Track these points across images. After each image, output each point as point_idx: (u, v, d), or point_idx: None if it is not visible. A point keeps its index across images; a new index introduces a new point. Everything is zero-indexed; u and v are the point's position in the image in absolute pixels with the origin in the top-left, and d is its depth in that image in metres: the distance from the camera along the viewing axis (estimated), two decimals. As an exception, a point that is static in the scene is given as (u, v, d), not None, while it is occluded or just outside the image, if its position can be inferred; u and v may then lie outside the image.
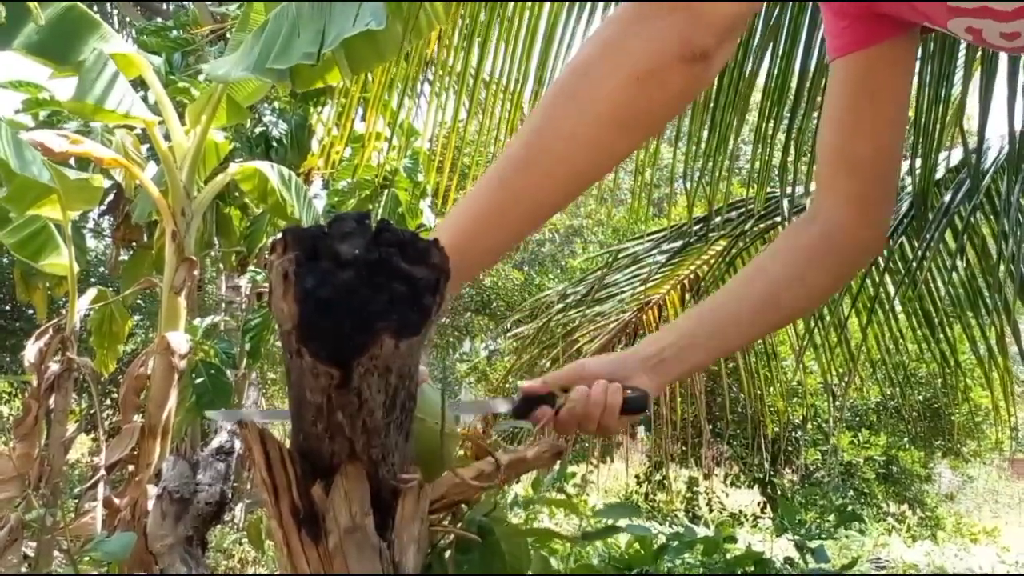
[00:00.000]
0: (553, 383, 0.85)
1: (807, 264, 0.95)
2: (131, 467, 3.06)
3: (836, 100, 0.95)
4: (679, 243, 2.93)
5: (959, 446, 7.95)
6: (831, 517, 5.68)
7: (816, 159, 1.00)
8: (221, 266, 5.93)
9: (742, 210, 2.86)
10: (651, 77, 0.75)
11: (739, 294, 0.96)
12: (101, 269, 8.44)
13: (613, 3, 2.34)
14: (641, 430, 8.28)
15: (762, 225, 2.79)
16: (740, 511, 8.10)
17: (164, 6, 8.09)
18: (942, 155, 2.37)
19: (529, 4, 2.46)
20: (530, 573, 0.78)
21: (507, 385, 3.53)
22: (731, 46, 0.79)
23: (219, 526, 4.89)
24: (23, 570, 3.09)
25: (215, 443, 2.20)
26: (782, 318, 1.04)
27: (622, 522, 1.41)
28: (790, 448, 7.83)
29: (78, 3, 3.02)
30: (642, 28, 0.75)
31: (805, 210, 1.02)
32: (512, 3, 2.46)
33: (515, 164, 0.78)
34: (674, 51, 0.74)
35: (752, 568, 1.90)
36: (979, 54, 2.06)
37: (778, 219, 2.63)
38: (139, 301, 7.94)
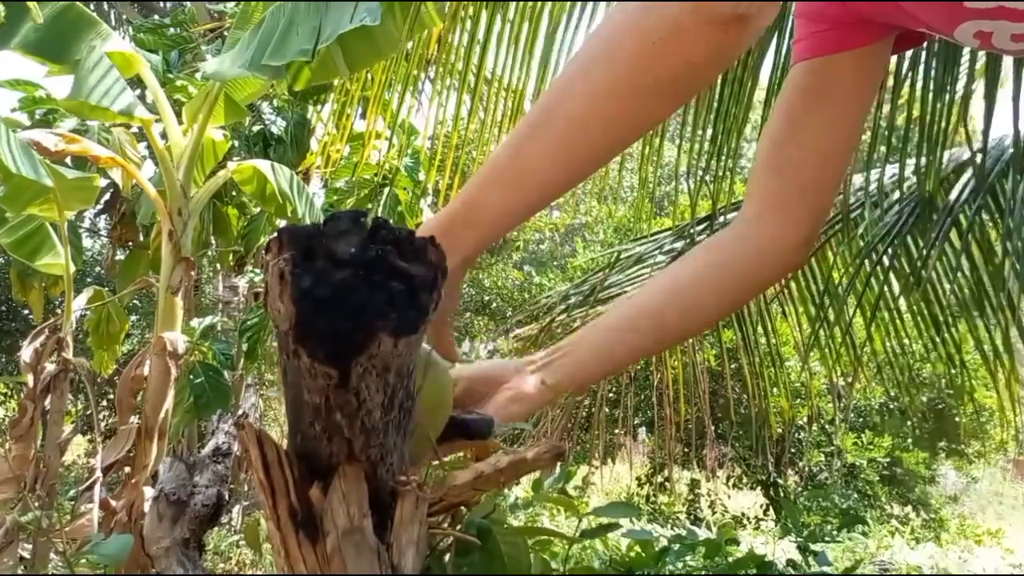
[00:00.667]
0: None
1: (717, 267, 0.90)
2: (127, 469, 3.05)
3: (785, 102, 0.91)
4: (681, 244, 2.92)
5: (963, 447, 7.95)
6: (834, 519, 5.68)
7: (754, 163, 0.95)
8: (218, 266, 5.93)
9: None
10: (672, 44, 0.70)
11: (639, 300, 0.91)
12: (97, 269, 8.45)
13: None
14: (643, 431, 8.29)
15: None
16: (742, 513, 8.11)
17: (161, 4, 8.09)
18: (947, 155, 2.36)
19: (530, 4, 2.45)
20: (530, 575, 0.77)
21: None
22: (773, 8, 0.73)
23: (216, 528, 4.89)
24: (19, 572, 3.08)
25: (212, 445, 2.19)
26: (683, 326, 0.96)
27: (622, 523, 1.40)
28: (793, 450, 7.83)
29: (76, 2, 3.01)
30: None
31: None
32: (513, 3, 2.45)
33: (531, 131, 0.75)
34: (701, 15, 0.69)
35: (754, 571, 1.89)
36: (983, 53, 2.05)
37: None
38: (136, 301, 7.94)
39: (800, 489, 7.90)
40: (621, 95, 0.72)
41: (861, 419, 7.87)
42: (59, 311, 3.44)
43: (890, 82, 2.11)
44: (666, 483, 8.11)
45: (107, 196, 5.09)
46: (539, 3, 2.44)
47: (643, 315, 0.90)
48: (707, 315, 0.96)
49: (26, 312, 7.72)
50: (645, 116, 0.76)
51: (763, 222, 0.90)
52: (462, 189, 0.78)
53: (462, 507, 0.74)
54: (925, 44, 2.05)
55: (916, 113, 2.13)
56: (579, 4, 2.42)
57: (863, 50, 0.87)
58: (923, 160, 2.22)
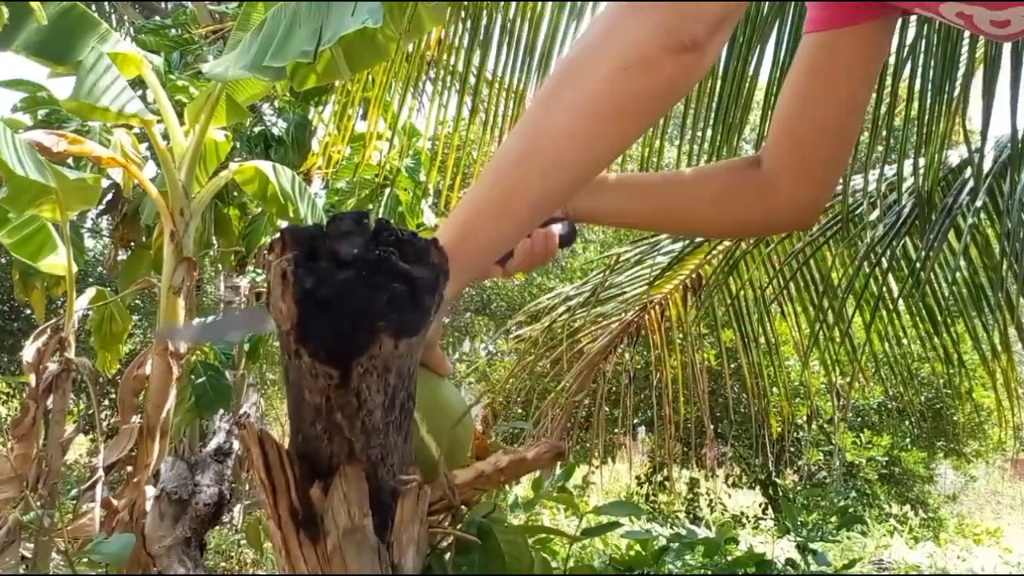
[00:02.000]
0: None
1: (738, 196, 0.98)
2: (129, 468, 3.05)
3: (796, 72, 0.96)
4: (680, 244, 2.92)
5: (961, 446, 7.94)
6: (833, 518, 5.68)
7: (772, 119, 1.01)
8: (220, 266, 5.92)
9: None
10: (637, 69, 0.74)
11: (687, 188, 1.00)
12: (99, 269, 8.44)
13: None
14: (643, 431, 8.28)
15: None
16: (742, 512, 8.10)
17: (162, 5, 8.09)
18: (945, 154, 2.37)
19: (531, 4, 2.46)
20: (531, 575, 0.77)
21: (508, 386, 3.52)
22: (723, 37, 0.78)
23: (218, 527, 4.89)
24: (21, 571, 3.09)
25: (214, 444, 2.19)
26: (701, 228, 1.12)
27: (622, 522, 1.40)
28: (792, 449, 7.83)
29: (78, 3, 3.02)
30: (630, 19, 0.75)
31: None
32: (514, 3, 2.45)
33: (509, 160, 0.78)
34: (660, 41, 0.74)
35: (753, 570, 1.89)
36: (981, 53, 2.06)
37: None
38: (138, 301, 7.94)
39: (799, 488, 7.89)
40: (593, 117, 0.76)
41: (860, 418, 7.87)
42: (61, 311, 3.44)
43: (888, 82, 2.11)
44: (665, 482, 8.10)
45: (109, 196, 5.08)
46: (539, 4, 2.44)
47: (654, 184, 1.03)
48: (704, 222, 1.08)
49: (28, 312, 7.73)
50: (617, 139, 0.79)
51: (781, 183, 0.96)
52: (447, 220, 0.79)
53: (463, 506, 0.75)
54: (923, 44, 2.06)
55: (914, 113, 2.14)
56: (578, 5, 2.42)
57: (868, 25, 0.90)
58: (921, 160, 2.22)
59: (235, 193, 4.68)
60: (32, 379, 3.18)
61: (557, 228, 0.92)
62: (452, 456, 0.75)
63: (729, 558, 2.03)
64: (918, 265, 2.39)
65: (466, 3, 2.55)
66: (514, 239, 0.83)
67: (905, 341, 2.74)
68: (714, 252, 2.98)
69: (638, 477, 8.41)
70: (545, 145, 0.76)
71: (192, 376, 3.26)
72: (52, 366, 3.19)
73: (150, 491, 2.43)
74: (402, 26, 2.54)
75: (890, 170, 2.39)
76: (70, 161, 3.73)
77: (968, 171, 2.30)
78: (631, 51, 0.74)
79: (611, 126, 0.77)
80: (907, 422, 7.69)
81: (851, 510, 6.56)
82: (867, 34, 0.90)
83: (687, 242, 2.86)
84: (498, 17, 2.47)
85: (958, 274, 2.45)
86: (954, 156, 2.50)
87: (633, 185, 1.01)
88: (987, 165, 2.26)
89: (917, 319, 2.64)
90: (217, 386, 3.25)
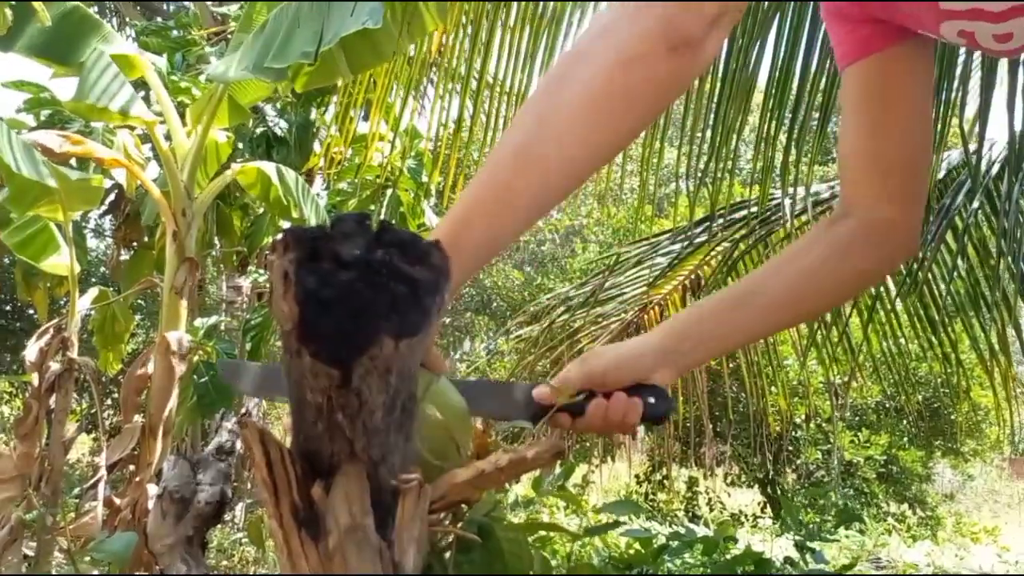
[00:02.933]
0: (566, 391, 0.83)
1: (847, 250, 0.94)
2: (132, 467, 3.06)
3: (852, 107, 0.95)
4: (679, 245, 2.93)
5: (959, 445, 7.94)
6: (831, 517, 5.68)
7: (841, 163, 0.99)
8: (222, 266, 5.93)
9: (744, 212, 2.86)
10: (635, 63, 0.75)
11: (770, 283, 0.94)
12: (102, 269, 8.45)
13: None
14: (641, 429, 8.28)
15: (763, 231, 2.80)
16: (740, 511, 8.10)
17: (165, 6, 8.09)
18: (943, 156, 2.38)
19: (531, 4, 2.46)
20: (531, 573, 0.78)
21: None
22: (721, 36, 0.78)
23: (220, 526, 4.90)
24: (23, 570, 3.10)
25: (215, 443, 2.20)
26: (817, 304, 1.03)
27: (621, 520, 1.41)
28: (791, 448, 7.83)
29: (80, 4, 3.03)
30: (630, 15, 0.76)
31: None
32: (515, 3, 2.46)
33: (507, 155, 0.78)
34: (659, 38, 0.74)
35: (752, 568, 1.90)
36: (978, 55, 2.06)
37: (779, 220, 2.64)
38: (140, 301, 7.94)
39: (798, 487, 7.90)
40: (590, 111, 0.75)
41: (858, 417, 7.87)
42: (64, 311, 3.45)
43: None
44: (664, 481, 8.11)
45: (112, 197, 5.09)
46: (539, 5, 2.45)
47: (756, 292, 0.93)
48: (836, 297, 1.04)
49: (31, 312, 7.74)
50: (614, 133, 0.78)
51: (887, 217, 0.94)
52: (446, 214, 0.78)
53: (463, 505, 0.75)
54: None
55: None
56: (579, 7, 2.43)
57: (898, 48, 0.90)
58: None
59: (237, 194, 4.68)
60: (35, 378, 3.18)
61: (644, 400, 0.82)
62: (452, 455, 0.76)
63: (728, 556, 2.04)
64: (916, 265, 2.40)
65: (467, 7, 2.56)
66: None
67: (903, 340, 2.75)
68: (713, 253, 2.99)
69: (637, 476, 8.41)
70: (543, 138, 0.76)
71: (194, 375, 3.26)
72: (55, 365, 3.20)
73: (152, 490, 2.44)
74: (403, 27, 2.54)
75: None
76: (73, 162, 3.73)
77: (965, 172, 2.30)
78: (629, 46, 0.75)
79: (608, 120, 0.76)
80: (905, 421, 7.70)
81: (849, 509, 6.56)
82: (899, 57, 0.91)
83: (686, 243, 2.87)
84: (501, 16, 2.47)
85: (956, 274, 2.46)
86: (951, 157, 2.50)
87: (750, 312, 0.92)
88: (984, 166, 2.27)
89: (915, 318, 2.65)
90: (219, 385, 3.25)
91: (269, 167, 3.61)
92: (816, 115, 2.26)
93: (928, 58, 0.95)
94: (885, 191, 0.94)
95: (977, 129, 2.04)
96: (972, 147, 2.13)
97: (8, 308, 8.77)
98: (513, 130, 0.79)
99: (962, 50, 2.08)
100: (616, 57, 0.75)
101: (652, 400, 0.83)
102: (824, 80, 2.20)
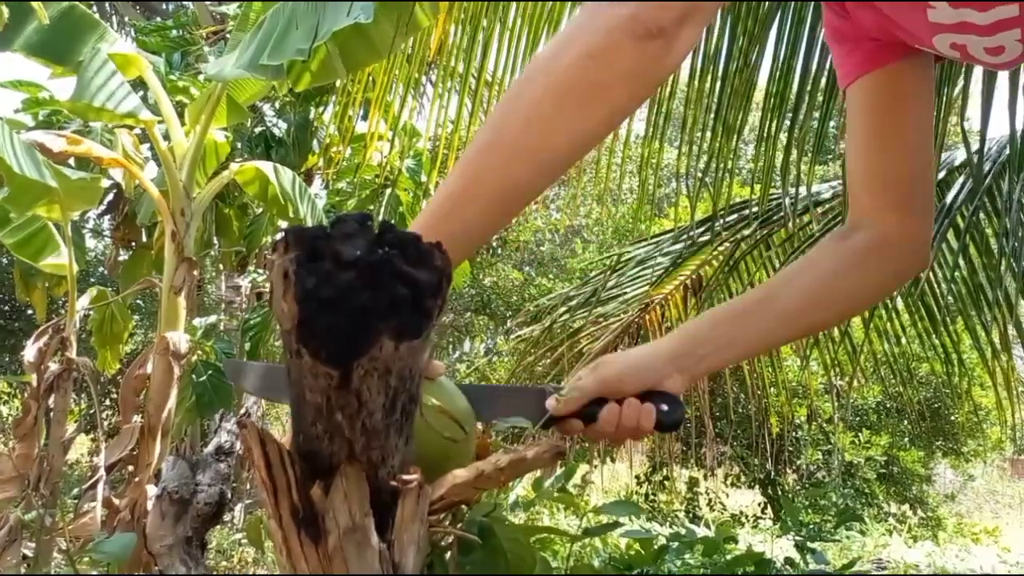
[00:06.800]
0: (579, 399, 0.83)
1: (860, 262, 0.94)
2: (131, 467, 3.06)
3: (857, 124, 0.96)
4: (680, 245, 2.93)
5: (960, 446, 7.95)
6: (832, 518, 5.68)
7: (849, 179, 1.00)
8: (221, 266, 5.93)
9: (745, 212, 2.86)
10: (601, 54, 0.75)
11: (783, 291, 0.94)
12: (100, 269, 8.44)
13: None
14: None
15: (764, 231, 2.80)
16: (741, 511, 8.10)
17: (163, 6, 8.09)
18: (944, 155, 2.37)
19: (530, 4, 2.46)
20: (531, 574, 0.78)
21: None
22: (694, 31, 0.78)
23: (219, 526, 4.90)
24: (22, 570, 3.09)
25: (214, 443, 2.20)
26: (830, 315, 1.02)
27: (622, 521, 1.41)
28: (791, 448, 7.83)
29: (78, 3, 3.02)
30: (597, 14, 0.76)
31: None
32: (514, 3, 2.46)
33: (481, 146, 0.78)
34: (624, 28, 0.74)
35: (752, 569, 1.89)
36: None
37: (781, 220, 2.63)
38: (139, 301, 7.94)
39: (798, 488, 7.90)
40: (557, 103, 0.76)
41: (859, 418, 7.87)
42: (63, 311, 3.45)
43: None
44: (665, 481, 8.11)
45: (110, 197, 5.08)
46: (538, 5, 2.45)
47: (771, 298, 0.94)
48: (850, 307, 1.04)
49: (30, 312, 7.72)
50: (580, 126, 0.77)
51: (895, 230, 0.95)
52: (422, 210, 0.79)
53: (463, 505, 0.75)
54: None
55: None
56: (579, 7, 2.42)
57: (898, 65, 0.92)
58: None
59: (236, 193, 4.68)
60: (33, 379, 3.18)
61: (656, 407, 0.82)
62: (453, 456, 0.75)
63: (728, 557, 2.03)
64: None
65: (466, 5, 2.55)
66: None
67: (904, 340, 2.75)
68: (715, 253, 2.98)
69: (637, 476, 8.41)
70: (509, 131, 0.77)
71: (193, 376, 3.26)
72: (53, 366, 3.20)
73: (151, 490, 2.44)
74: (397, 23, 2.53)
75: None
76: (71, 161, 3.73)
77: (967, 171, 2.30)
78: (595, 39, 0.75)
79: (574, 113, 0.76)
80: (906, 421, 7.70)
81: (850, 509, 6.56)
82: (899, 74, 0.92)
83: (688, 243, 2.87)
84: (500, 15, 2.47)
85: (957, 273, 2.46)
86: (953, 156, 2.50)
87: (763, 321, 0.92)
88: (986, 165, 2.27)
89: (916, 318, 2.65)
90: (218, 386, 3.25)
91: (267, 166, 3.61)
92: (816, 115, 2.26)
93: (928, 73, 0.96)
94: (894, 205, 0.95)
95: (978, 128, 2.04)
96: (974, 146, 2.13)
97: (6, 308, 8.76)
98: (484, 127, 0.80)
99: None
100: (583, 51, 0.75)
101: (665, 407, 0.83)
102: (824, 79, 2.20)
